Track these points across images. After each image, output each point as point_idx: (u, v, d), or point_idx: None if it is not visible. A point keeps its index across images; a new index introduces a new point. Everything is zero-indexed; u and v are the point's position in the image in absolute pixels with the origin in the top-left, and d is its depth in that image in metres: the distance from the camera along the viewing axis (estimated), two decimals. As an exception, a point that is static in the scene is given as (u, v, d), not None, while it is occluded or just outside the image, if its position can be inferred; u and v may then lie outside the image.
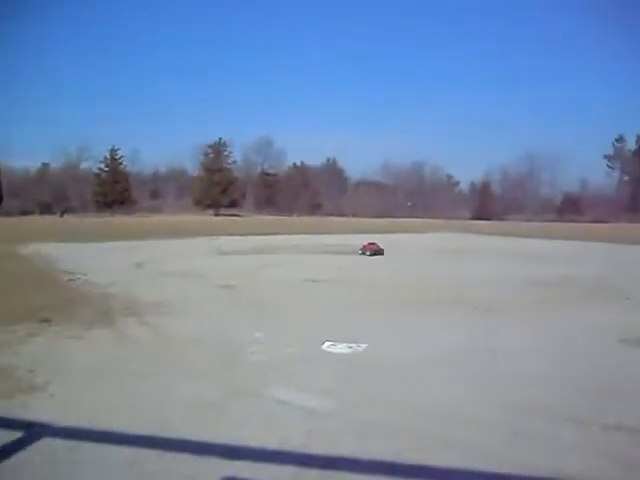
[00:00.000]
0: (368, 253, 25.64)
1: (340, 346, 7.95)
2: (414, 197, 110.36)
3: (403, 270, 19.03)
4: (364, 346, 7.99)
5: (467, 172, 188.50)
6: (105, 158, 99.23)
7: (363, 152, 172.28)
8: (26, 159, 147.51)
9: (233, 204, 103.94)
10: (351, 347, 7.93)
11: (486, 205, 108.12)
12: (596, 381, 6.50)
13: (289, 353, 7.60)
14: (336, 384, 6.27)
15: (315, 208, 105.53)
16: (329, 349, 7.86)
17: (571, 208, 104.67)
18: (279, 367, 6.95)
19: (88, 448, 4.56)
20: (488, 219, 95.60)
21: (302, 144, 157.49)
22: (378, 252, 25.86)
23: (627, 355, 7.90)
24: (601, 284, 15.39)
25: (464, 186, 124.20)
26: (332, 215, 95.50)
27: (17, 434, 4.70)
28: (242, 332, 8.94)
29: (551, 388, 6.23)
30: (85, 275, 15.67)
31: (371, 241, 27.71)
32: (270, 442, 4.62)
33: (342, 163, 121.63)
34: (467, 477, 4.11)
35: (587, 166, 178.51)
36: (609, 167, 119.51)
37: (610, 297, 13.30)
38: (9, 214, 77.24)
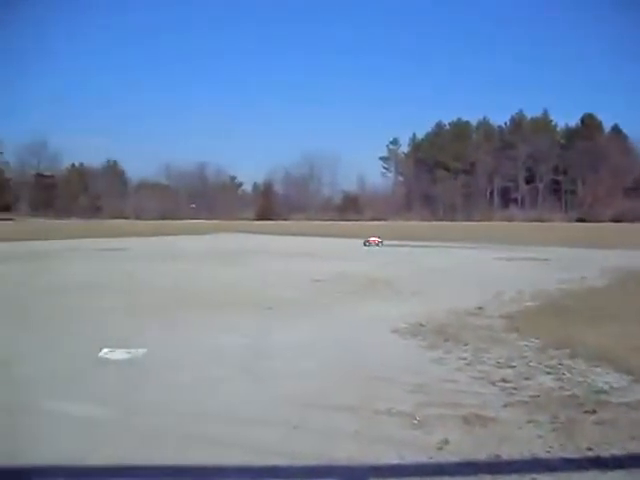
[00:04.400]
0: None
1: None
2: (197, 198, 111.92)
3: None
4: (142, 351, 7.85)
5: (250, 173, 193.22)
6: None
7: (144, 153, 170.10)
8: None
9: (6, 208, 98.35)
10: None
11: (269, 205, 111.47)
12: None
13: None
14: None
15: (95, 211, 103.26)
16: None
17: (351, 207, 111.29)
18: None
19: None
20: (272, 219, 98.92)
21: (81, 145, 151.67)
22: None
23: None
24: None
25: (247, 187, 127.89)
26: (114, 217, 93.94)
27: None
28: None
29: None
30: None
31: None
32: None
33: (123, 164, 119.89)
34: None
35: (364, 166, 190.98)
36: (384, 168, 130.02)
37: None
38: None
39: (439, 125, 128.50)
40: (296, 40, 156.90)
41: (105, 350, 7.75)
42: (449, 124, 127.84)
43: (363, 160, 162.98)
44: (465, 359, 7.21)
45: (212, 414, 5.37)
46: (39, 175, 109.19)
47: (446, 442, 4.55)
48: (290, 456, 4.39)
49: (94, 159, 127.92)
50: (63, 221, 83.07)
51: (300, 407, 5.50)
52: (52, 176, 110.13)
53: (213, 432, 4.93)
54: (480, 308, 11.09)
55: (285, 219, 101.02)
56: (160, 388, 6.22)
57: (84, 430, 4.98)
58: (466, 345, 7.94)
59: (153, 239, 41.18)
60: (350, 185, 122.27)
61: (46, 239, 38.47)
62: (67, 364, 7.20)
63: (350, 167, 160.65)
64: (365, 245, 33.95)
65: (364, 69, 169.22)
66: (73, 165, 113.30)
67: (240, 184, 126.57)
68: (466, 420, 5.02)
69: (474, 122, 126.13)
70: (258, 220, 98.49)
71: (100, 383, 6.42)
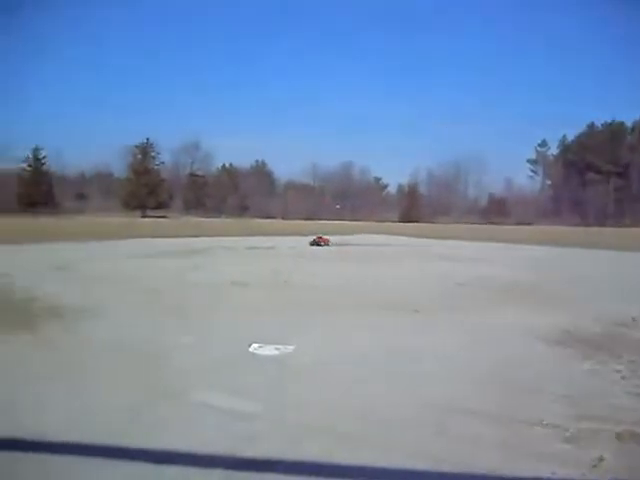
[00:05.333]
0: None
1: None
2: (342, 199, 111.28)
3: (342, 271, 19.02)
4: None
5: (394, 174, 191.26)
6: (27, 158, 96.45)
7: (292, 154, 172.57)
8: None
9: (161, 206, 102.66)
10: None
11: (414, 207, 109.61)
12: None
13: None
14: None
15: (243, 210, 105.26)
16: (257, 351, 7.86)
17: (496, 210, 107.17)
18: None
19: None
20: (416, 221, 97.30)
21: (231, 145, 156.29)
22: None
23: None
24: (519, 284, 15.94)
25: (392, 188, 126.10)
26: (260, 217, 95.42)
27: None
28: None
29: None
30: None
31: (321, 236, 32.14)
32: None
33: (271, 165, 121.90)
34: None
35: (511, 168, 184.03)
36: (532, 171, 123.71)
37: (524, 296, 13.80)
38: None
39: (591, 126, 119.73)
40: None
41: (255, 346, 8.05)
42: (602, 125, 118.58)
43: (510, 162, 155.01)
44: (620, 372, 6.89)
45: (356, 414, 5.42)
46: (192, 175, 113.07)
47: (601, 459, 4.37)
48: (432, 460, 4.39)
49: (243, 160, 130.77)
50: (213, 219, 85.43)
51: (444, 412, 5.47)
52: (204, 176, 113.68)
53: (357, 431, 5.00)
54: (635, 320, 10.50)
55: (429, 221, 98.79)
56: (302, 385, 6.36)
57: (236, 424, 5.17)
58: (620, 357, 7.60)
59: (297, 238, 40.88)
60: (496, 188, 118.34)
61: (197, 236, 39.17)
62: (219, 356, 7.61)
63: (497, 169, 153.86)
64: (313, 245, 30.88)
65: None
66: (223, 165, 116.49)
67: (385, 185, 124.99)
68: (621, 437, 4.81)
69: (629, 123, 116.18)
70: (402, 222, 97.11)
71: (245, 377, 6.67)
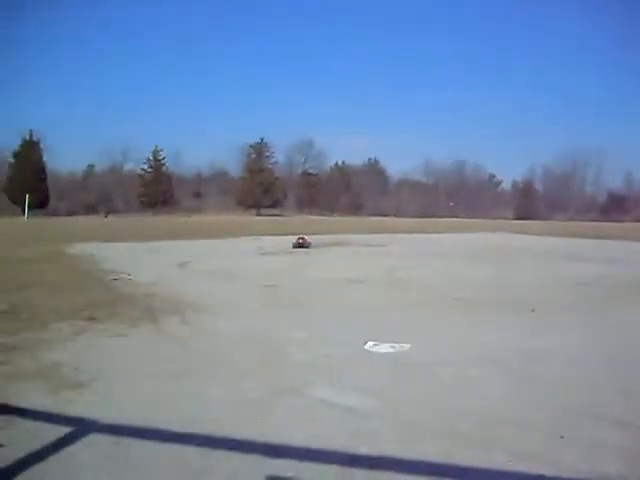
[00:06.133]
0: None
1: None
2: (456, 196, 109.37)
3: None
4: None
5: (509, 170, 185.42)
6: (148, 159, 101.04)
7: (404, 151, 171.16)
8: (72, 162, 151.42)
9: (275, 204, 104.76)
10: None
11: (529, 204, 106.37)
12: None
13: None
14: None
15: (356, 208, 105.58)
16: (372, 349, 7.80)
17: (616, 207, 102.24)
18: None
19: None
20: (532, 219, 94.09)
21: (343, 144, 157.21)
22: None
23: None
24: None
25: (506, 185, 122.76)
26: (374, 215, 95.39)
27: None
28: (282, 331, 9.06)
29: None
30: (129, 275, 15.96)
31: None
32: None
33: (383, 162, 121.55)
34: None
35: (632, 162, 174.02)
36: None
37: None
38: (55, 215, 79.36)
39: None
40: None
41: (370, 343, 8.00)
42: None
43: (632, 157, 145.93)
44: None
45: (472, 414, 5.29)
46: (305, 173, 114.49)
47: None
48: (555, 465, 4.23)
49: (356, 158, 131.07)
50: (325, 217, 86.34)
51: (566, 416, 5.25)
52: (317, 174, 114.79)
53: (472, 432, 4.88)
54: None
55: (545, 219, 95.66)
56: (419, 385, 6.28)
57: (352, 421, 5.17)
58: None
59: (415, 236, 41.06)
60: (616, 184, 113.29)
61: (311, 233, 39.68)
62: (333, 352, 7.59)
63: (617, 164, 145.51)
64: (296, 247, 26.77)
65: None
66: (336, 164, 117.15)
67: (499, 182, 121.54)
68: None
69: None
70: (517, 220, 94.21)
71: (361, 374, 6.65)
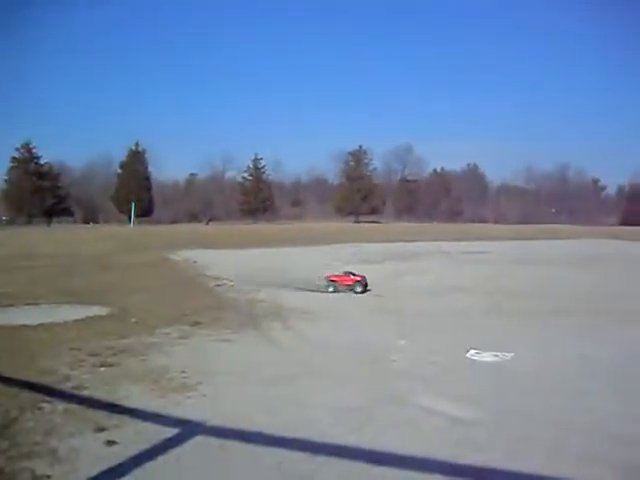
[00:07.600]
0: None
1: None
2: (558, 202, 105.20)
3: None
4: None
5: (614, 174, 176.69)
6: (248, 167, 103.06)
7: (505, 156, 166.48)
8: (176, 171, 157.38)
9: (373, 211, 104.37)
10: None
11: (635, 210, 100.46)
12: None
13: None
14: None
15: (455, 215, 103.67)
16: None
17: None
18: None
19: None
20: (638, 225, 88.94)
21: (442, 150, 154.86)
22: None
23: None
24: None
25: (611, 190, 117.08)
26: (473, 222, 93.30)
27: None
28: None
29: None
30: (231, 281, 16.33)
31: None
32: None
33: (483, 168, 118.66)
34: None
35: None
36: None
37: None
38: (159, 222, 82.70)
39: None
40: None
41: (472, 352, 8.06)
42: None
43: None
44: None
45: (577, 426, 5.15)
46: (403, 180, 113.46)
47: None
48: None
49: (455, 164, 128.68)
50: (424, 224, 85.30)
51: None
52: (415, 181, 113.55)
53: (577, 446, 4.70)
54: None
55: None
56: (523, 394, 6.23)
57: (456, 430, 5.13)
58: None
59: (516, 243, 40.07)
60: None
61: (412, 241, 39.37)
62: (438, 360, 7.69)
63: None
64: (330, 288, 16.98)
65: None
66: (435, 170, 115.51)
67: (603, 187, 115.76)
68: None
69: None
70: (623, 226, 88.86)
71: (464, 383, 6.67)
